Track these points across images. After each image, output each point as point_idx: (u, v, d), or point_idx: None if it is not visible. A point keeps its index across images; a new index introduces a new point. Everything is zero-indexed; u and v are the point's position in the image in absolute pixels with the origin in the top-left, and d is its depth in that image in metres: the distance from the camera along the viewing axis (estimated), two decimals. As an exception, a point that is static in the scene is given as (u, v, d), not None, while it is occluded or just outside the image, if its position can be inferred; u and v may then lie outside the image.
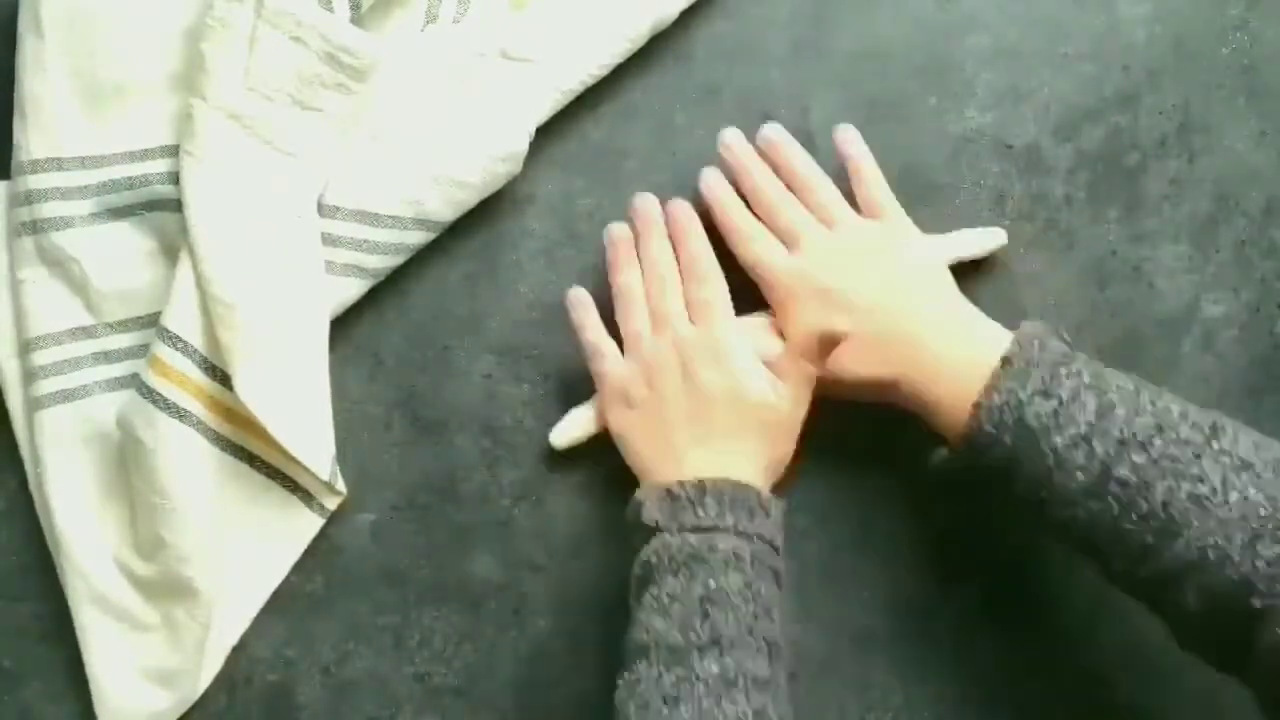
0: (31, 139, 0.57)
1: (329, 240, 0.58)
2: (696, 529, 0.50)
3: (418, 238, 0.59)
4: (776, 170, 0.58)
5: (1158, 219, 0.61)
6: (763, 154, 0.59)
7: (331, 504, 0.59)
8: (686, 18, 0.61)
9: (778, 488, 0.55)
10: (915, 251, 0.57)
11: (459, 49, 0.60)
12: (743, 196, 0.58)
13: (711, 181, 0.58)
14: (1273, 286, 0.61)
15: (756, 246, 0.57)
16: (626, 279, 0.57)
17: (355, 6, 0.57)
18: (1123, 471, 0.47)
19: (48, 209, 0.57)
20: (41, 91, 0.57)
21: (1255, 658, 0.45)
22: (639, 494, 0.52)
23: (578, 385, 0.60)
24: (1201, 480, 0.46)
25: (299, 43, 0.56)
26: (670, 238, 0.57)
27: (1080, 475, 0.48)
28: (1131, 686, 0.59)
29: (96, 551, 0.57)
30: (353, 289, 0.59)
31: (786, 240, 0.57)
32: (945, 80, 0.62)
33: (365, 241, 0.58)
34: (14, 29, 0.58)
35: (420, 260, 0.60)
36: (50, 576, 0.58)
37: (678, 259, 0.57)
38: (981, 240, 0.59)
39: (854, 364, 0.54)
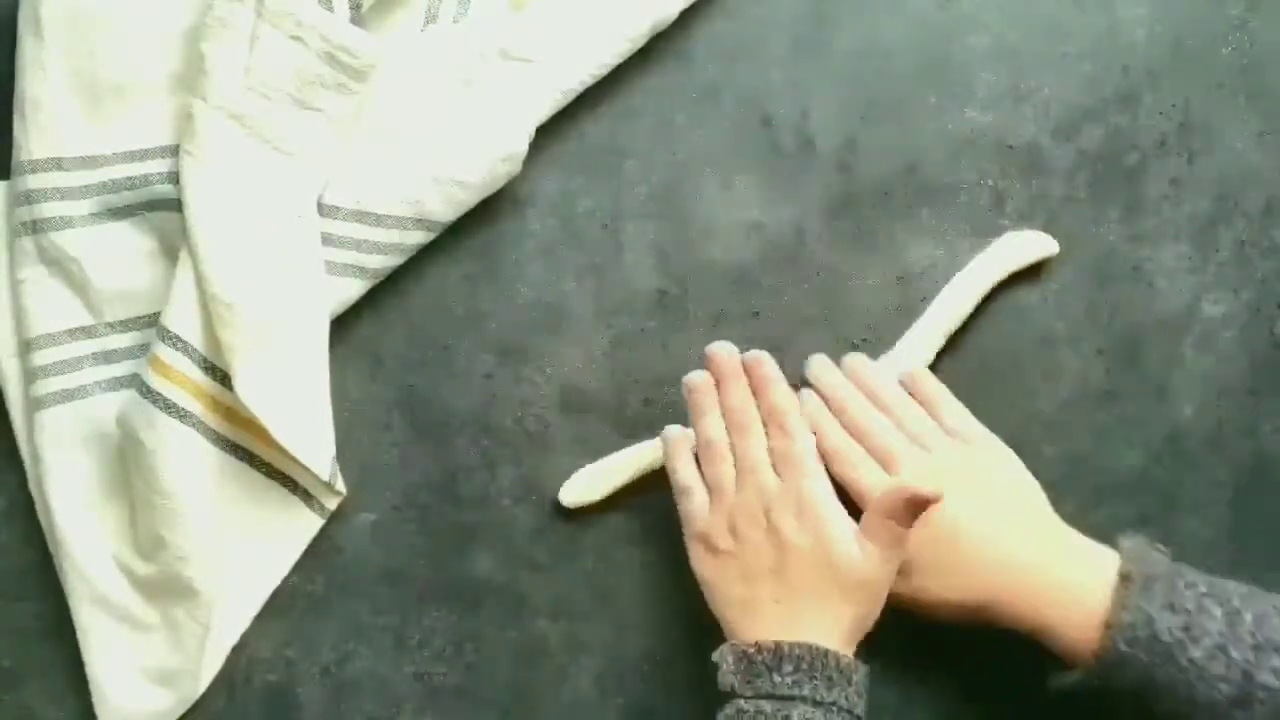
0: (31, 139, 0.57)
1: (329, 240, 0.58)
2: (771, 696, 0.49)
3: (418, 238, 0.59)
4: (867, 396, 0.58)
5: (1158, 219, 0.61)
6: (851, 378, 0.59)
7: (331, 504, 0.59)
8: (686, 18, 0.61)
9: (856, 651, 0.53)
10: (1010, 472, 0.56)
11: (459, 49, 0.60)
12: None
13: (812, 406, 0.58)
14: (1273, 286, 0.61)
15: (858, 470, 0.56)
16: (710, 426, 0.56)
17: (355, 6, 0.57)
18: (1265, 677, 0.47)
19: (48, 209, 0.57)
20: (41, 92, 0.57)
21: None
22: (717, 653, 0.52)
23: (577, 385, 0.60)
24: None
25: (299, 42, 0.56)
26: (753, 388, 0.56)
27: (1224, 686, 0.48)
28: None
29: (97, 551, 0.57)
30: (353, 289, 0.59)
31: (884, 462, 0.56)
32: (945, 80, 0.62)
33: (365, 241, 0.58)
34: (14, 29, 0.58)
35: (420, 260, 0.60)
36: (50, 576, 0.58)
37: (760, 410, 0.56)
38: (1028, 247, 0.60)
39: (950, 591, 0.54)
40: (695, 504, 0.55)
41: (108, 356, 0.58)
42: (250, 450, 0.58)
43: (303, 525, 0.59)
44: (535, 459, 0.60)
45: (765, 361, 0.56)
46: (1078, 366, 0.61)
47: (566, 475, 0.59)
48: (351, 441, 0.60)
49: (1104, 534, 0.54)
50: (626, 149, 0.61)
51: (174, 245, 0.57)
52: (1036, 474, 0.56)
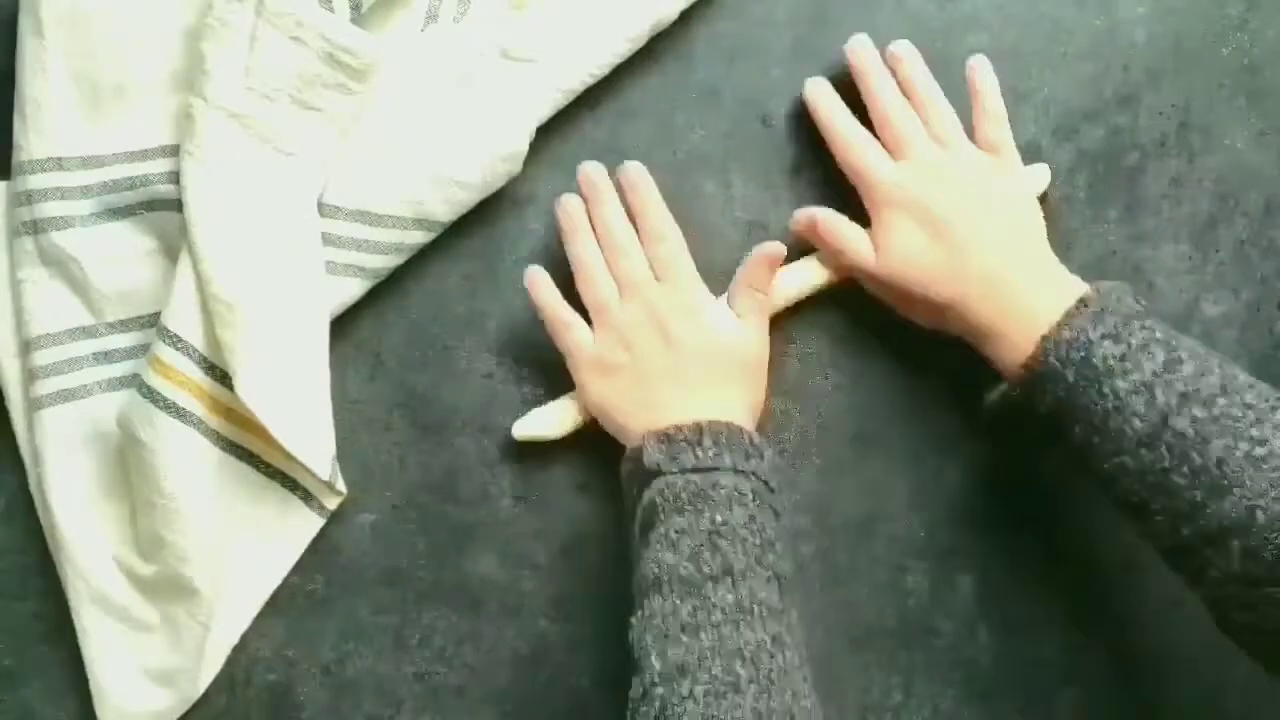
0: (32, 139, 0.57)
1: (329, 240, 0.58)
2: (697, 469, 0.51)
3: (418, 238, 0.59)
4: (899, 84, 0.59)
5: (1158, 219, 0.61)
6: (888, 65, 0.59)
7: (331, 504, 0.59)
8: (686, 18, 0.61)
9: (758, 430, 0.56)
10: (1017, 191, 0.57)
11: (459, 49, 0.60)
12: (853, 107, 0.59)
13: (817, 87, 0.59)
14: (1273, 286, 0.61)
15: (863, 153, 0.57)
16: (584, 248, 0.57)
17: (355, 6, 0.57)
18: (1181, 423, 0.47)
19: (48, 209, 0.57)
20: (42, 92, 0.57)
21: None
22: (634, 443, 0.53)
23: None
24: (1261, 443, 0.46)
25: (299, 43, 0.56)
26: (625, 199, 0.58)
27: (1137, 422, 0.47)
28: (1132, 686, 0.59)
29: (97, 551, 0.57)
30: (353, 289, 0.59)
31: (895, 150, 0.57)
32: (945, 80, 0.62)
33: (365, 241, 0.58)
34: (14, 29, 0.58)
35: (420, 260, 0.60)
36: (50, 576, 0.58)
37: (633, 221, 0.58)
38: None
39: (925, 279, 0.55)
40: (579, 333, 0.57)
41: (108, 356, 0.58)
42: (250, 450, 0.58)
43: (303, 525, 0.59)
44: (535, 459, 0.60)
45: (637, 170, 0.58)
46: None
47: (566, 476, 0.60)
48: (351, 441, 0.60)
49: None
50: (626, 149, 0.61)
51: (174, 245, 0.57)
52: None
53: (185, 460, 0.55)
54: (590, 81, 0.60)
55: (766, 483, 0.52)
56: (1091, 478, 0.50)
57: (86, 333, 0.58)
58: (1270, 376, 0.60)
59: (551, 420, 0.58)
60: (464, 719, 0.59)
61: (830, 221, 0.58)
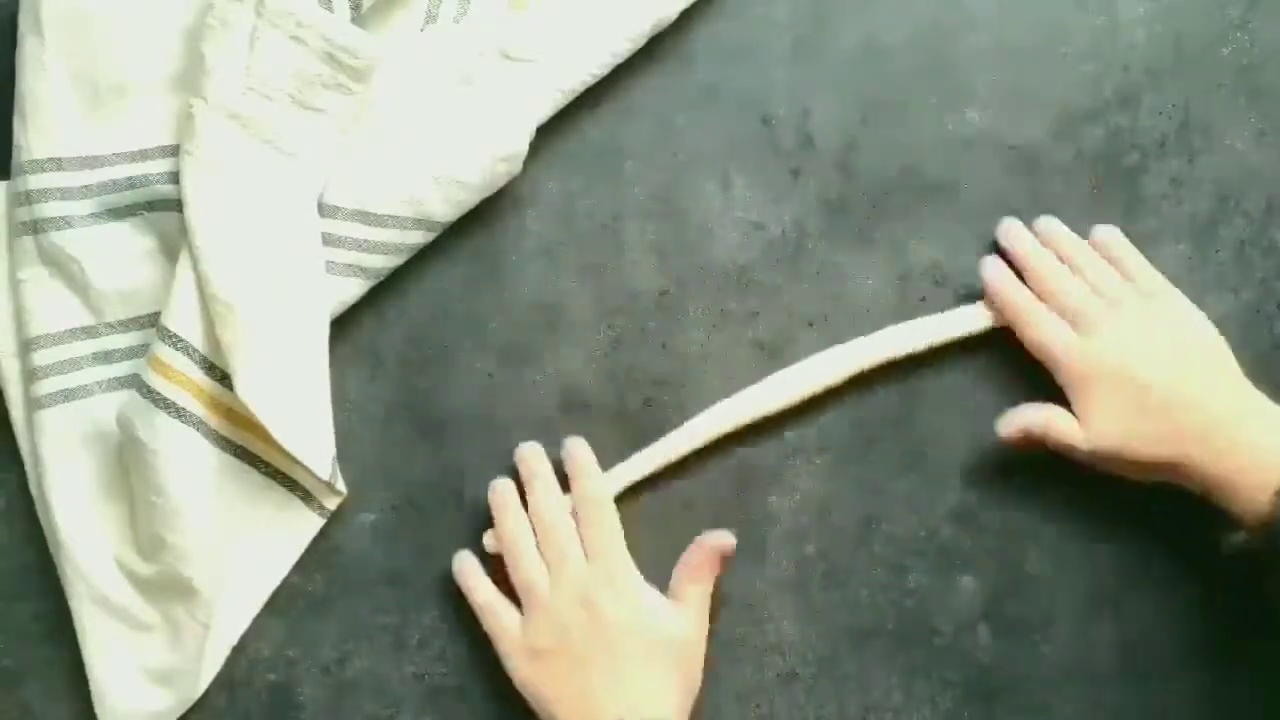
0: (31, 139, 0.57)
1: (329, 240, 0.58)
2: None
3: (418, 238, 0.59)
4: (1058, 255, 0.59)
5: (1158, 219, 0.61)
6: (1044, 243, 0.59)
7: (331, 504, 0.59)
8: (686, 18, 0.61)
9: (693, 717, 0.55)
10: (1194, 327, 0.57)
11: (459, 49, 0.60)
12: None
13: (994, 269, 0.59)
14: (1273, 286, 0.61)
15: (1045, 330, 0.57)
16: (513, 528, 0.57)
17: (355, 6, 0.57)
18: None
19: (48, 209, 0.57)
20: (42, 92, 0.57)
21: None
22: None
23: (577, 385, 0.60)
24: None
25: (299, 43, 0.56)
26: (568, 470, 0.57)
27: None
28: (1130, 685, 0.59)
29: (97, 551, 0.57)
30: (353, 289, 0.59)
31: (1073, 321, 0.57)
32: (945, 80, 0.62)
33: (365, 241, 0.58)
34: (14, 29, 0.58)
35: (420, 260, 0.60)
36: (50, 576, 0.58)
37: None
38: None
39: (1142, 446, 0.54)
40: (506, 617, 0.56)
41: (108, 356, 0.58)
42: (250, 450, 0.58)
43: (303, 525, 0.59)
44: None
45: (578, 447, 0.58)
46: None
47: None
48: (351, 441, 0.60)
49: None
50: (626, 149, 0.61)
51: (174, 245, 0.57)
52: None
53: (185, 460, 0.55)
54: (590, 81, 0.60)
55: None
56: None
57: (86, 333, 0.58)
58: (1270, 376, 0.60)
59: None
60: (464, 719, 0.59)
61: (1037, 420, 0.56)
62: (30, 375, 0.58)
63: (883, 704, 0.59)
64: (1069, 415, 0.56)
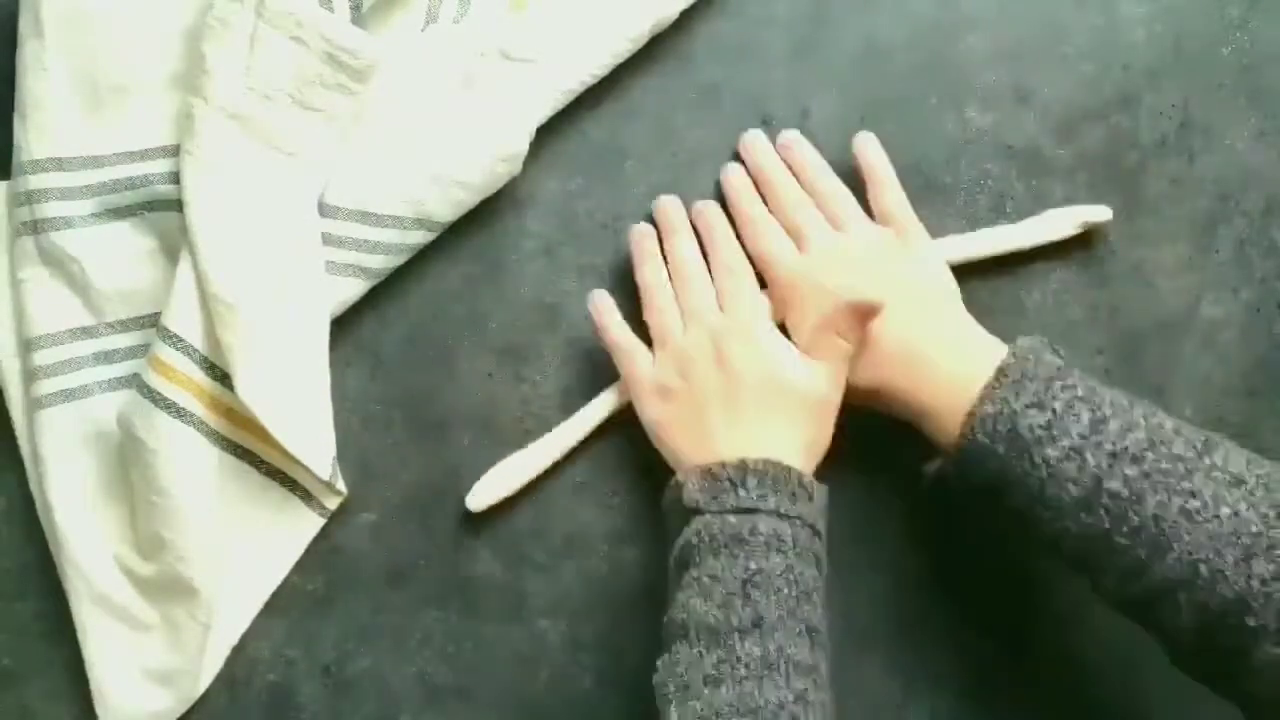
0: (32, 139, 0.57)
1: (329, 240, 0.58)
2: (738, 510, 0.49)
3: (418, 238, 0.59)
4: (794, 173, 0.59)
5: (1158, 219, 0.61)
6: (781, 156, 0.59)
7: (331, 504, 0.59)
8: (686, 18, 0.61)
9: (817, 472, 0.54)
10: (922, 260, 0.57)
11: (459, 49, 0.60)
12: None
13: (733, 176, 0.59)
14: (1273, 286, 0.61)
15: (767, 242, 0.57)
16: (653, 274, 0.58)
17: (356, 7, 0.57)
18: (1114, 484, 0.47)
19: (48, 209, 0.57)
20: (42, 92, 0.57)
21: (1250, 677, 0.45)
22: (679, 476, 0.52)
23: (577, 385, 0.60)
24: (1193, 495, 0.46)
25: (299, 43, 0.56)
26: (698, 233, 0.58)
27: (1072, 488, 0.48)
28: (1131, 686, 0.59)
29: (97, 551, 0.57)
30: (353, 289, 0.59)
31: (796, 239, 0.57)
32: (945, 80, 0.62)
33: (365, 241, 0.58)
34: (14, 29, 0.58)
35: (420, 260, 0.60)
36: (51, 576, 0.58)
37: (704, 255, 0.58)
38: (1064, 222, 0.60)
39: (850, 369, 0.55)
40: (639, 358, 0.57)
41: (108, 356, 0.58)
42: (250, 450, 0.58)
43: (303, 525, 0.59)
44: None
45: (712, 209, 0.58)
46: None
47: (567, 476, 0.60)
48: (351, 441, 0.60)
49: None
50: (626, 149, 0.62)
51: (174, 245, 0.57)
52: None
53: (185, 460, 0.55)
54: (590, 81, 0.60)
55: (813, 526, 0.50)
56: (1036, 541, 0.50)
57: (86, 333, 0.58)
58: (1270, 376, 0.60)
59: (503, 483, 0.58)
60: (464, 719, 0.59)
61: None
62: (30, 375, 0.58)
63: (883, 704, 0.59)
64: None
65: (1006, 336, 0.60)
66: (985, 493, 0.50)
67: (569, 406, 0.60)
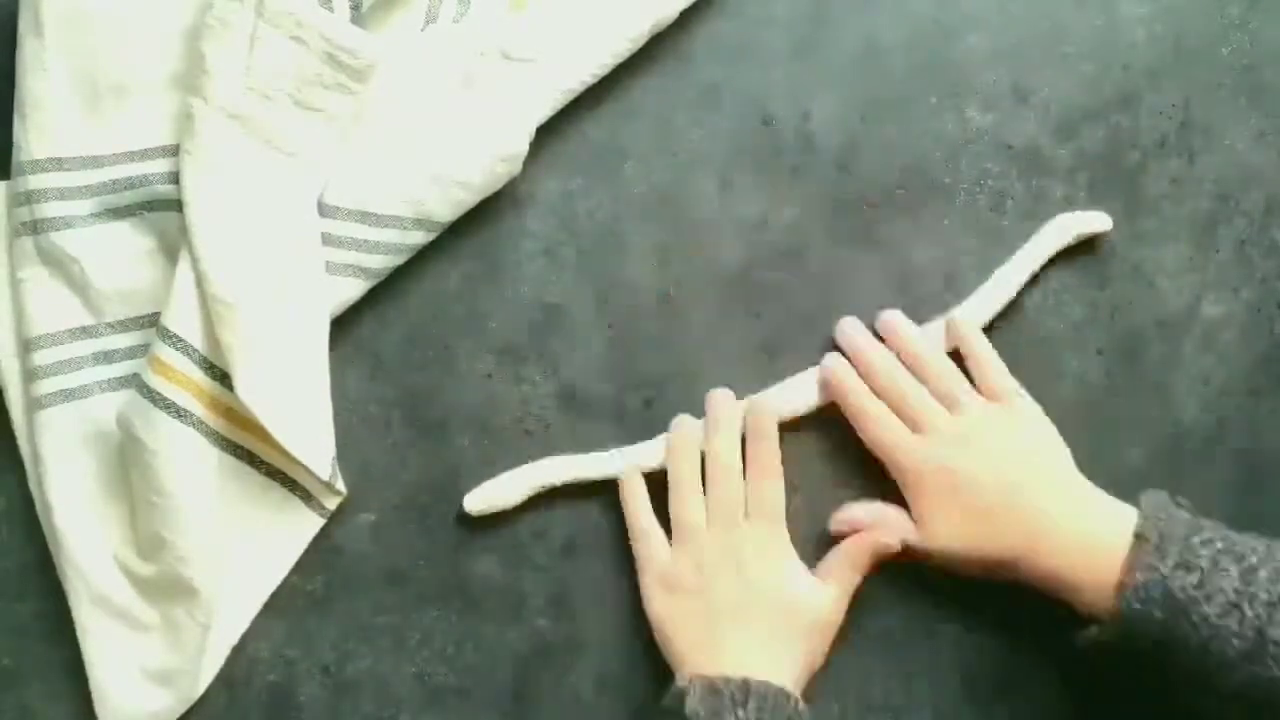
0: (31, 139, 0.57)
1: (329, 240, 0.58)
2: None
3: (418, 238, 0.59)
4: (898, 356, 0.59)
5: (1158, 219, 0.61)
6: (883, 337, 0.60)
7: (331, 504, 0.59)
8: (686, 18, 0.61)
9: (805, 692, 0.55)
10: (1033, 429, 0.57)
11: (459, 49, 0.60)
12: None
13: (837, 368, 0.59)
14: (1273, 286, 0.61)
15: (886, 431, 0.58)
16: (687, 468, 0.58)
17: (355, 6, 0.57)
18: (1277, 632, 0.48)
19: (48, 209, 0.57)
20: (41, 91, 0.57)
21: None
22: (680, 681, 0.53)
23: (577, 385, 0.60)
24: None
25: (299, 43, 0.56)
26: (747, 434, 0.58)
27: (1237, 641, 0.48)
28: (1132, 686, 0.59)
29: (96, 551, 0.57)
30: (353, 289, 0.59)
31: (913, 427, 0.57)
32: (945, 80, 0.62)
33: (365, 241, 0.58)
34: (14, 29, 0.58)
35: (420, 260, 0.60)
36: (51, 576, 0.58)
37: (743, 455, 0.58)
38: (1080, 225, 0.60)
39: (974, 549, 0.55)
40: (655, 546, 0.57)
41: (108, 356, 0.58)
42: (250, 450, 0.58)
43: (303, 525, 0.59)
44: (535, 458, 0.60)
45: (765, 410, 0.58)
46: (1078, 366, 0.61)
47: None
48: (351, 441, 0.60)
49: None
50: (626, 149, 0.61)
51: (174, 245, 0.57)
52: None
53: (185, 460, 0.55)
54: (590, 81, 0.60)
55: None
56: (1207, 692, 0.50)
57: (86, 333, 0.58)
58: (1270, 376, 0.60)
59: (505, 492, 0.58)
60: (464, 719, 0.59)
61: (865, 519, 0.57)
62: (30, 375, 0.58)
63: (883, 704, 0.59)
64: (904, 515, 0.57)
65: (1009, 340, 0.60)
66: (1148, 655, 0.51)
67: (569, 407, 0.60)
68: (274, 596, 0.59)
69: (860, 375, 0.59)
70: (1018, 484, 0.55)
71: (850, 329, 0.60)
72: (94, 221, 0.58)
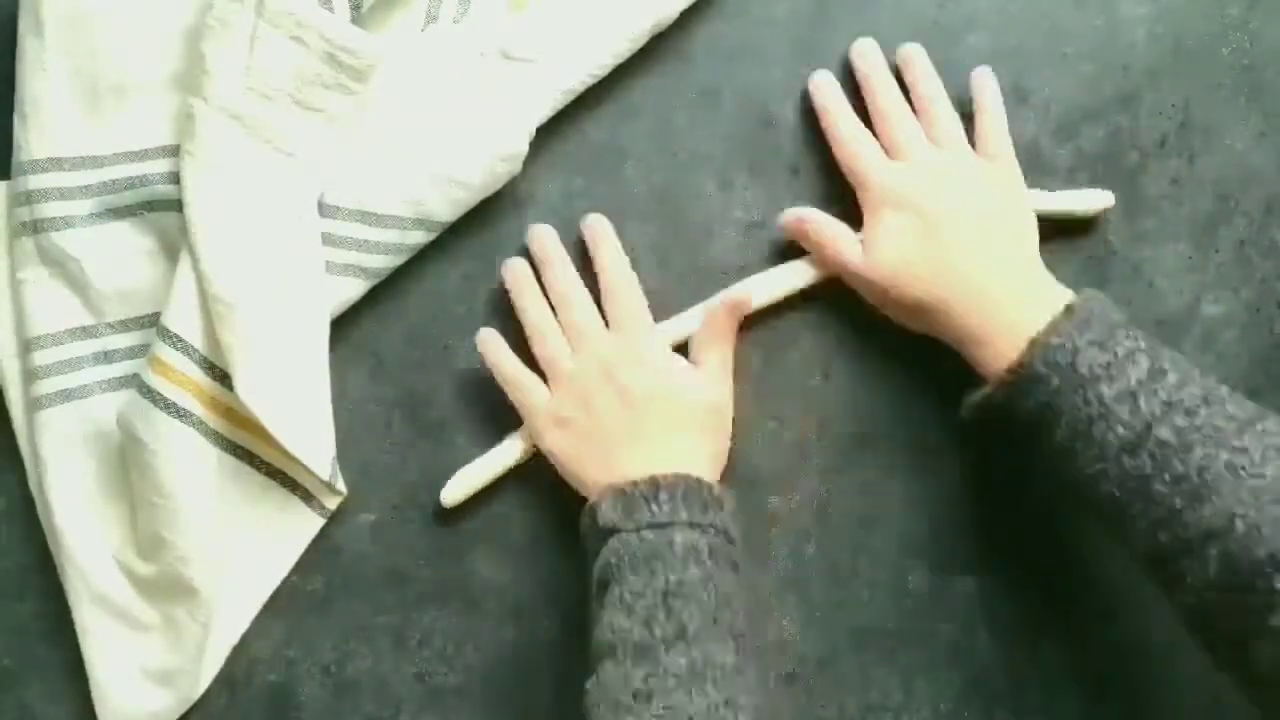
0: (32, 139, 0.57)
1: (329, 240, 0.58)
2: (652, 525, 0.50)
3: (418, 238, 0.59)
4: (911, 89, 0.59)
5: (1158, 219, 0.61)
6: (897, 66, 0.60)
7: (331, 504, 0.59)
8: (686, 18, 0.61)
9: (723, 479, 0.55)
10: (1012, 198, 0.57)
11: (459, 49, 0.60)
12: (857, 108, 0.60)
13: (822, 83, 0.60)
14: (1273, 286, 0.61)
15: (860, 150, 0.58)
16: (534, 307, 0.58)
17: (355, 6, 0.57)
18: (1164, 432, 0.47)
19: (48, 209, 0.57)
20: (41, 91, 0.57)
21: (1263, 643, 0.45)
22: (592, 499, 0.53)
23: (578, 385, 0.60)
24: (1242, 452, 0.46)
25: (299, 43, 0.56)
26: (588, 246, 0.58)
27: (1121, 429, 0.48)
28: (1132, 686, 0.59)
29: (97, 551, 0.57)
30: (353, 289, 0.59)
31: (893, 151, 0.58)
32: (945, 80, 0.62)
33: (365, 241, 0.58)
34: (14, 29, 0.58)
35: (420, 260, 0.60)
36: (51, 576, 0.58)
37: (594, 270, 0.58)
38: (1086, 199, 0.60)
39: (911, 281, 0.55)
40: (531, 390, 0.57)
41: (108, 356, 0.58)
42: (250, 450, 0.58)
43: (303, 525, 0.59)
44: (534, 458, 0.60)
45: (600, 221, 0.58)
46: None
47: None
48: (351, 441, 0.60)
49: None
50: (626, 149, 0.61)
51: (174, 245, 0.57)
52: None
53: (185, 460, 0.55)
54: (590, 81, 0.60)
55: (727, 534, 0.52)
56: (1068, 481, 0.50)
57: (86, 333, 0.58)
58: (1270, 376, 0.60)
59: (479, 474, 0.59)
60: (464, 719, 0.59)
61: (818, 221, 0.58)
62: (30, 375, 0.58)
63: (883, 704, 0.59)
64: (854, 236, 0.57)
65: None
66: (1028, 424, 0.51)
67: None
68: (274, 596, 0.59)
69: (863, 89, 0.59)
70: (975, 236, 0.55)
71: (867, 48, 0.60)
72: (94, 221, 0.58)
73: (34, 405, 0.58)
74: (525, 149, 0.59)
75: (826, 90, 0.60)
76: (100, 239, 0.58)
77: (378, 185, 0.58)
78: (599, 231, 0.58)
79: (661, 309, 0.61)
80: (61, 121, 0.58)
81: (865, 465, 0.60)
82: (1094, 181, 0.61)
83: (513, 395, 0.57)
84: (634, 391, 0.55)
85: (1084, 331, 0.50)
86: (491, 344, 0.58)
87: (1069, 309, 0.51)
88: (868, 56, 0.60)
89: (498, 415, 0.60)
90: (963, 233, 0.55)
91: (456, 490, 0.59)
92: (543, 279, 0.58)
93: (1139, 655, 0.59)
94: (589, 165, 0.61)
